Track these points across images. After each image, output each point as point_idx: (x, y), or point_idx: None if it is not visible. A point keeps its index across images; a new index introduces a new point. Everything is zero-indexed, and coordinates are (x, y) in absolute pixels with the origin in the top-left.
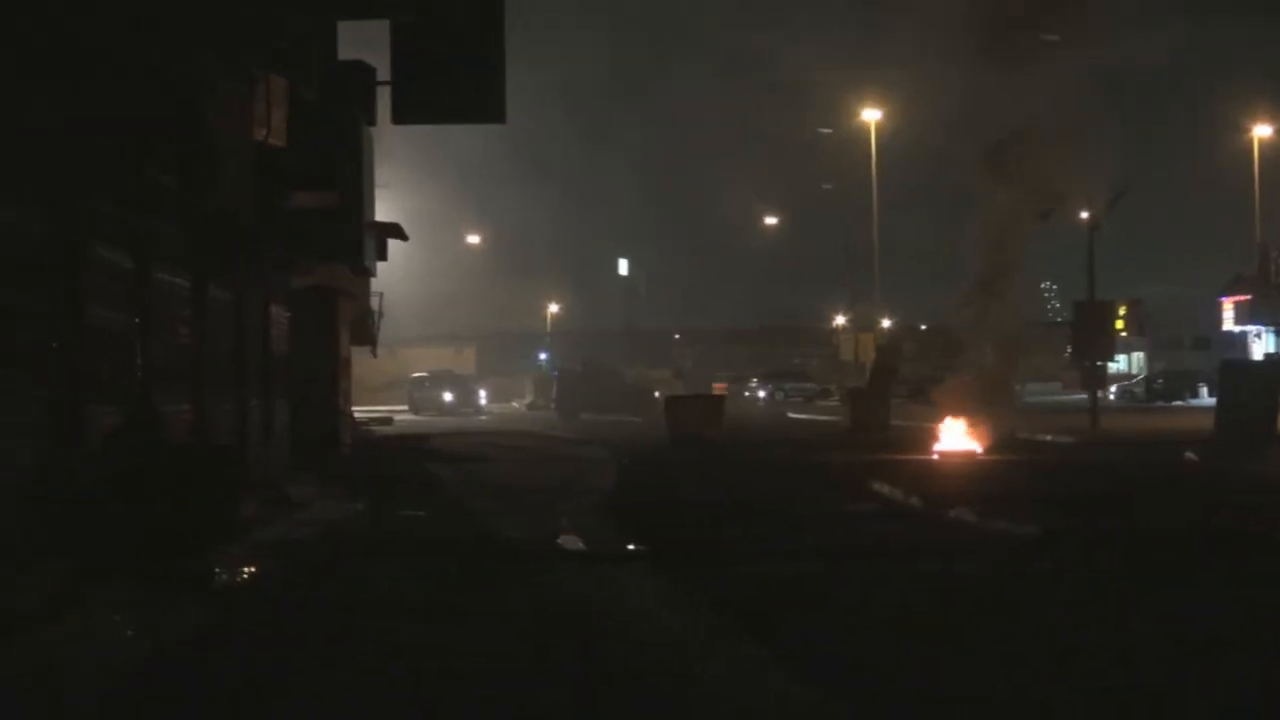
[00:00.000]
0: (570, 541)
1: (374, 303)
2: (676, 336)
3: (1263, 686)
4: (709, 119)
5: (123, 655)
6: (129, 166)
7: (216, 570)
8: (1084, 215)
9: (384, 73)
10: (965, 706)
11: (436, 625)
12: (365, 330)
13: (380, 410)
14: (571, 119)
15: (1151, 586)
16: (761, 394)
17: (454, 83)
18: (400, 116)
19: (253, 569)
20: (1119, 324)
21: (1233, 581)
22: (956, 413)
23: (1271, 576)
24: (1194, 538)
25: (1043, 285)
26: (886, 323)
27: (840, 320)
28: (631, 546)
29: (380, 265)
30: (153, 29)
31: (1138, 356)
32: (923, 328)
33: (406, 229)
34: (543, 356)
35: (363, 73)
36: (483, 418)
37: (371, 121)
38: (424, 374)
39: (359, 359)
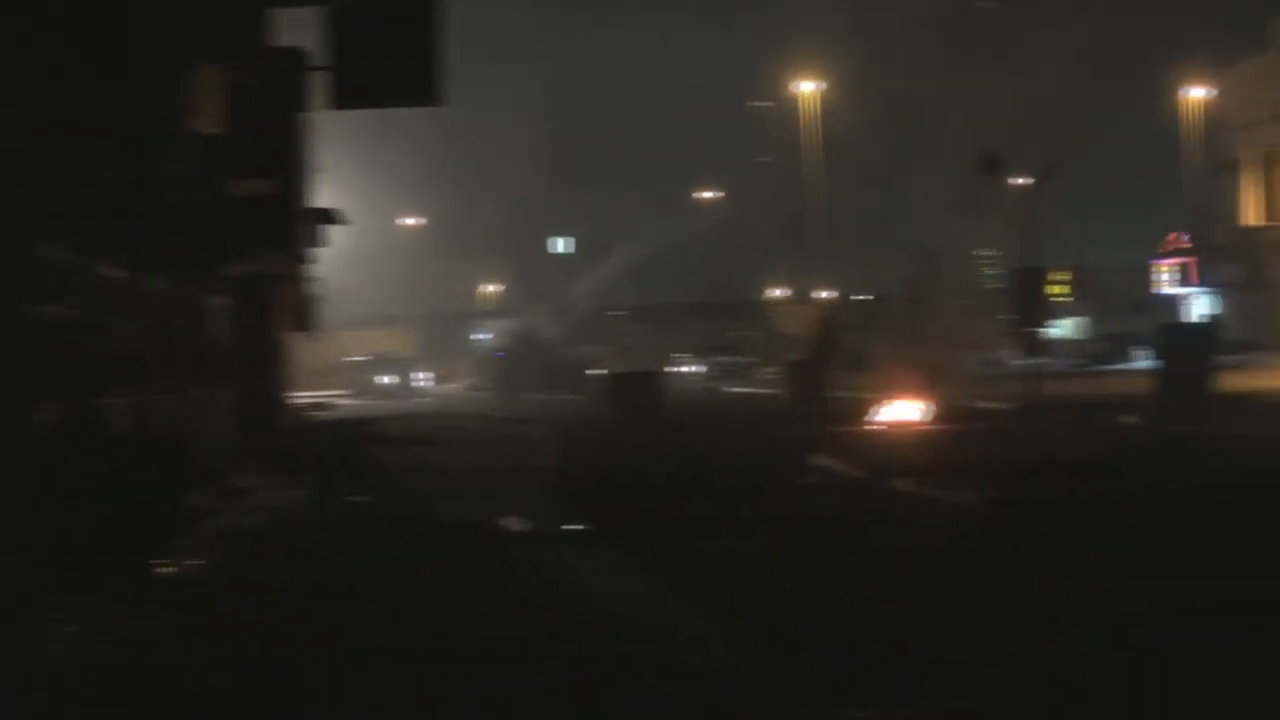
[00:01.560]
0: (519, 522)
1: (314, 287)
2: (617, 313)
3: (1241, 647)
4: (646, 92)
5: (67, 659)
6: (67, 159)
7: (164, 563)
8: (1023, 181)
9: (321, 57)
10: (932, 665)
11: (399, 610)
12: (305, 315)
13: (322, 395)
14: (513, 97)
15: (1114, 552)
16: (692, 369)
17: (391, 67)
18: (337, 102)
19: (200, 561)
20: (1056, 289)
21: (1192, 547)
22: (897, 382)
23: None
24: (1136, 501)
25: (985, 253)
26: (827, 294)
27: (780, 292)
28: (581, 525)
29: (320, 250)
30: (89, 19)
31: (1078, 321)
32: (865, 298)
33: (346, 213)
34: (483, 336)
35: (300, 58)
36: (424, 400)
37: (309, 107)
38: (364, 357)
39: (299, 344)
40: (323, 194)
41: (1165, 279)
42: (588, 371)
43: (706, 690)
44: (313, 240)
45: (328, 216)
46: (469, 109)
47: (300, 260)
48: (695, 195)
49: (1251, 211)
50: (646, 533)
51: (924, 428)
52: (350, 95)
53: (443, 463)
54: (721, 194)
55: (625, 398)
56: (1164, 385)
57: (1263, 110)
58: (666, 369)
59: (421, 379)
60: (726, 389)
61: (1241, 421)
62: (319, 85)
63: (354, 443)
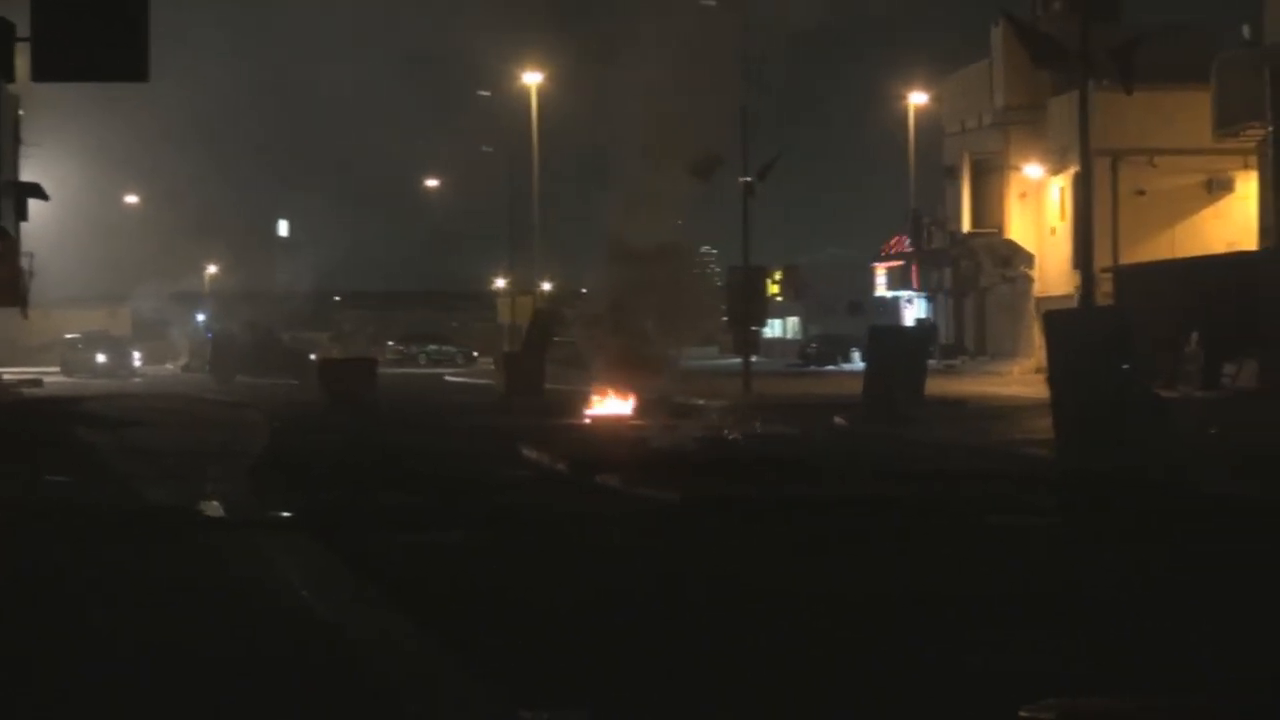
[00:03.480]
0: (218, 507)
1: (25, 263)
2: (336, 299)
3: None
4: (372, 77)
5: None
6: None
7: None
8: (741, 180)
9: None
10: (609, 660)
11: (71, 597)
12: (14, 291)
13: (31, 372)
14: (231, 78)
15: (798, 550)
16: (411, 356)
17: (94, 40)
18: (39, 74)
19: None
20: (773, 288)
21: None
22: (611, 377)
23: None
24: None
25: (703, 249)
26: (547, 286)
27: (500, 283)
28: (283, 513)
29: (34, 225)
30: None
31: (793, 321)
32: (583, 291)
33: (63, 189)
34: (200, 318)
35: (6, 29)
36: (137, 380)
37: (10, 79)
38: (77, 335)
39: (9, 320)
40: (36, 168)
41: (883, 281)
42: (310, 356)
43: (374, 689)
44: (17, 214)
45: (33, 190)
46: (188, 87)
47: (3, 234)
48: (422, 183)
49: (967, 217)
50: (348, 523)
51: (636, 423)
52: (52, 68)
53: (152, 445)
54: (448, 182)
55: (338, 384)
56: (873, 388)
57: (977, 118)
58: (383, 356)
59: (138, 358)
60: (444, 378)
61: (948, 428)
62: (24, 57)
63: (62, 422)
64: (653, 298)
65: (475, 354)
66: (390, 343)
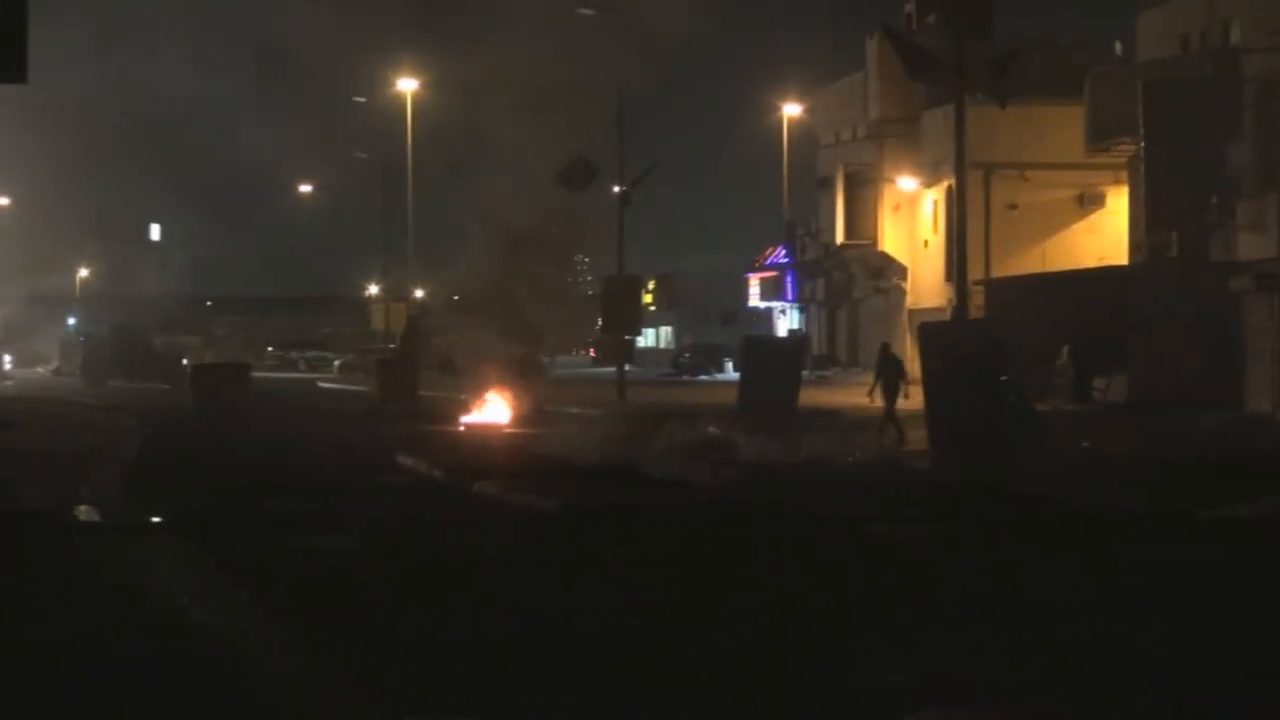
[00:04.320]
0: (91, 511)
1: None
2: (209, 304)
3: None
4: (245, 81)
5: None
6: None
7: None
8: (616, 189)
9: None
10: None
11: None
12: None
13: None
14: (103, 80)
15: (671, 553)
16: (287, 361)
17: None
18: None
19: None
20: (647, 298)
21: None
22: (486, 385)
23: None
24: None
25: (576, 259)
26: (420, 293)
27: (374, 290)
28: (156, 518)
29: None
30: None
31: (666, 330)
32: (455, 298)
33: None
34: (71, 321)
35: None
36: (7, 383)
37: None
38: None
39: None
40: None
41: (757, 292)
42: (182, 361)
43: (253, 695)
44: None
45: None
46: (58, 88)
47: None
48: (296, 188)
49: (840, 229)
50: (221, 528)
51: (512, 431)
52: None
53: (21, 448)
54: (323, 188)
55: (211, 389)
56: (745, 398)
57: (851, 130)
58: (261, 362)
59: (8, 362)
60: (319, 384)
61: (822, 438)
62: None
63: None
64: (526, 306)
65: (336, 361)
66: (270, 348)
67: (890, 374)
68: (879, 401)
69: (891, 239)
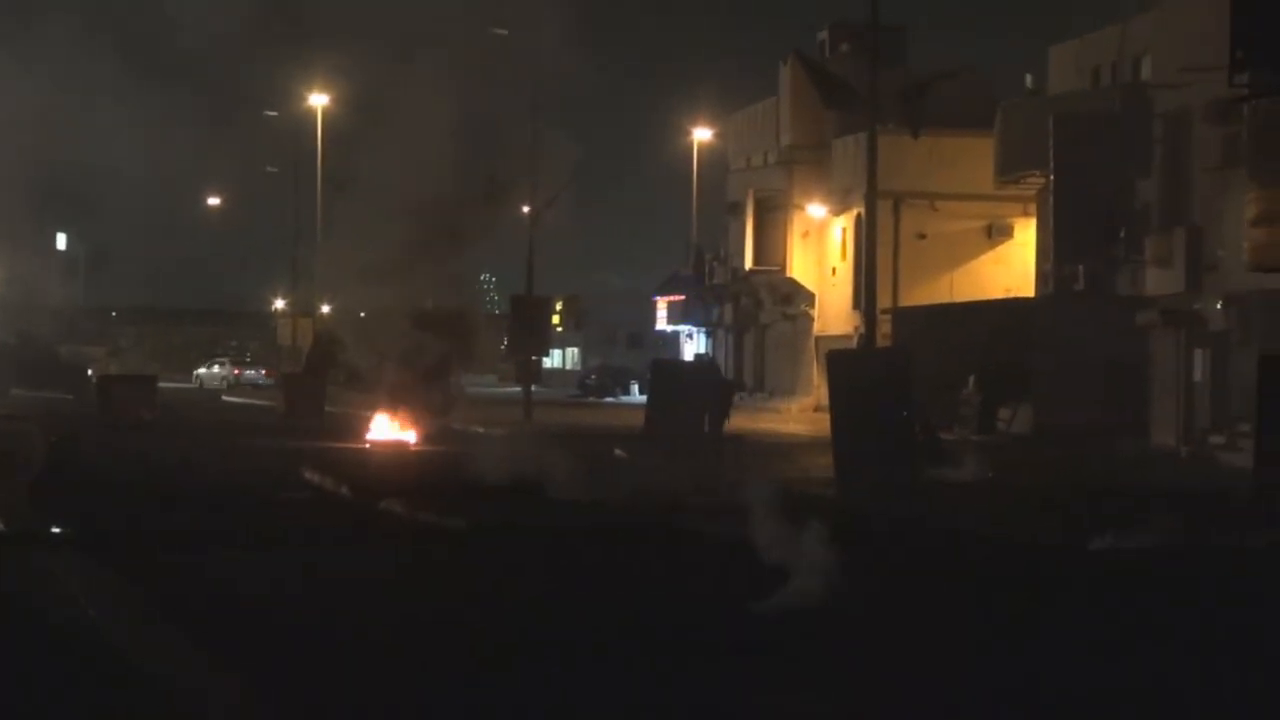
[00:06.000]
0: None
1: None
2: (114, 314)
3: None
4: (152, 90)
5: None
6: None
7: None
8: (526, 209)
9: None
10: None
11: None
12: None
13: None
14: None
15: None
16: (200, 374)
17: None
18: None
19: None
20: (555, 319)
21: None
22: (392, 402)
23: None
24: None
25: (482, 277)
26: (326, 308)
27: (281, 304)
28: (55, 529)
29: None
30: None
31: (573, 352)
32: (361, 315)
33: None
34: None
35: None
36: None
37: None
38: None
39: None
40: None
41: (664, 315)
42: (87, 371)
43: (153, 708)
44: None
45: None
46: None
47: None
48: (204, 200)
49: (749, 254)
50: (124, 541)
51: (417, 449)
52: None
53: None
54: (230, 200)
55: (115, 401)
56: (651, 422)
57: (762, 155)
58: (164, 374)
59: None
60: (225, 398)
61: (728, 463)
62: None
63: None
64: (433, 323)
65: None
66: (191, 361)
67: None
68: None
69: (800, 265)
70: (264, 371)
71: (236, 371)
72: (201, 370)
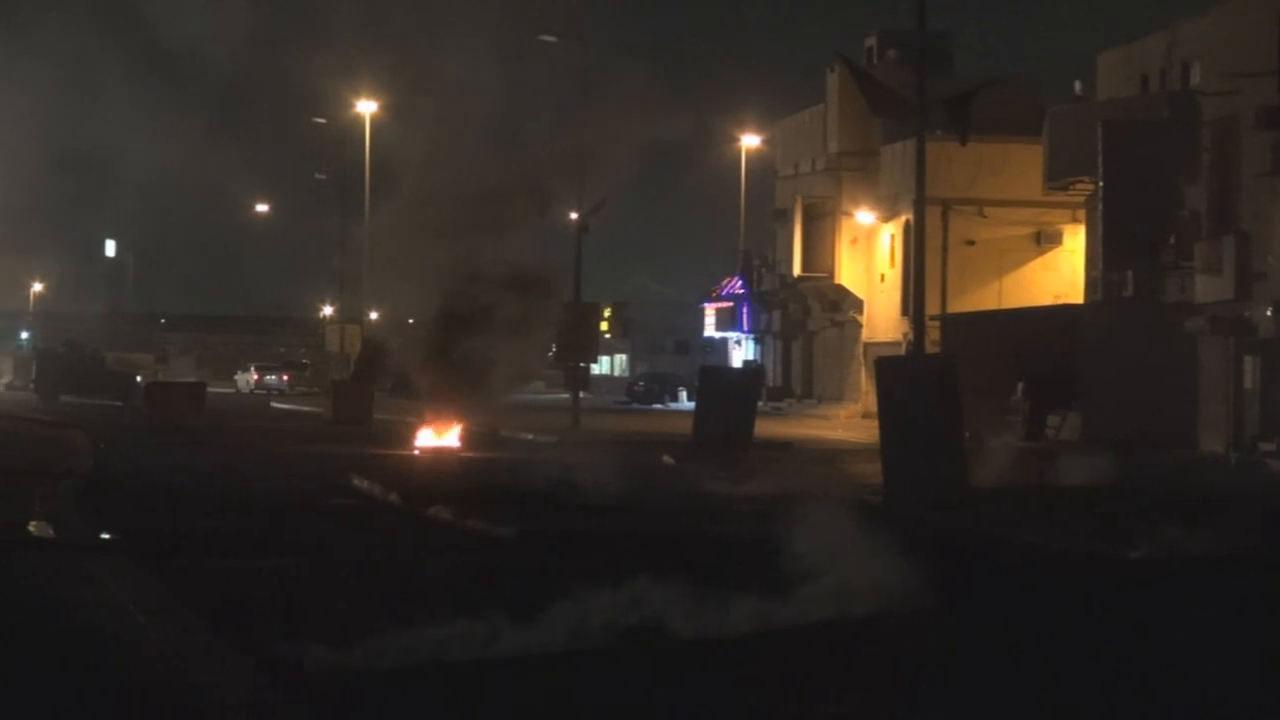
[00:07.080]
0: (43, 528)
1: None
2: (162, 321)
3: None
4: (200, 97)
5: None
6: None
7: None
8: (573, 217)
9: None
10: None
11: None
12: None
13: None
14: (58, 90)
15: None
16: (245, 382)
17: None
18: None
19: None
20: (604, 325)
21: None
22: (441, 408)
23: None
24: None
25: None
26: (375, 315)
27: (328, 311)
28: (106, 535)
29: None
30: None
31: (621, 358)
32: (410, 321)
33: None
34: (24, 336)
35: None
36: None
37: None
38: None
39: None
40: None
41: (712, 322)
42: (135, 378)
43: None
44: None
45: None
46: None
47: None
48: (253, 207)
49: (797, 261)
50: (172, 547)
51: (466, 455)
52: None
53: None
54: (279, 207)
55: (163, 407)
56: (703, 427)
57: (810, 162)
58: (210, 380)
59: None
60: (272, 405)
61: (775, 470)
62: None
63: None
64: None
65: (312, 381)
66: (239, 367)
67: None
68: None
69: (848, 272)
70: (284, 376)
71: (255, 377)
72: (238, 375)
